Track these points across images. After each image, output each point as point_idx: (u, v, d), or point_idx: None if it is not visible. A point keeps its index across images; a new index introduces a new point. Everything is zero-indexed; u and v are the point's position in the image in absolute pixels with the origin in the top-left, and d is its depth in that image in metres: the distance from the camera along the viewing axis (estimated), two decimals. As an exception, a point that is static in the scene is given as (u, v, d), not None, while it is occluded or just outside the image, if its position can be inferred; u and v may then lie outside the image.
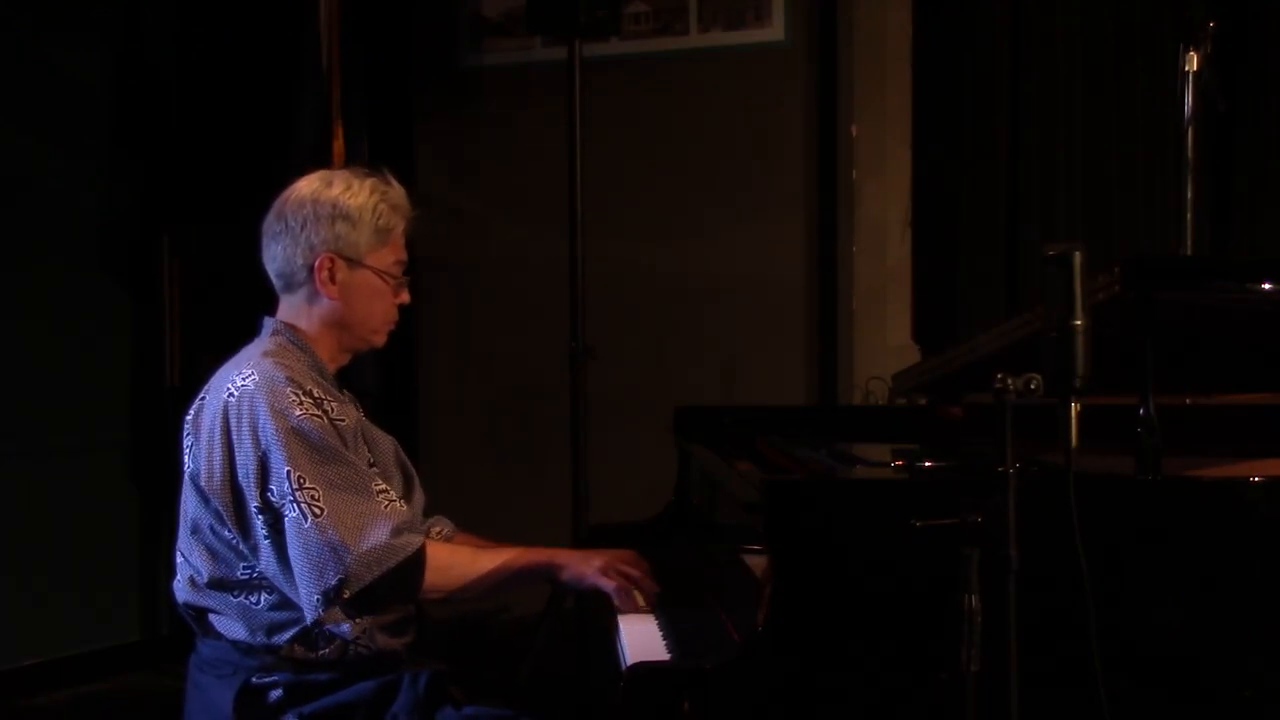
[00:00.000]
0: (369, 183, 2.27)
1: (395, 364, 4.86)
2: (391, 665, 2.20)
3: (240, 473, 2.10)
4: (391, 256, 2.29)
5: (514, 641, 4.16)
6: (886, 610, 1.90)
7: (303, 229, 2.23)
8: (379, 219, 2.25)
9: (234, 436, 2.11)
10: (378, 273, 2.26)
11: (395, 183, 2.32)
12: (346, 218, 2.23)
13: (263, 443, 2.09)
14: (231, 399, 2.13)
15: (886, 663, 1.90)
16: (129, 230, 4.61)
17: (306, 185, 2.27)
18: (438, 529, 2.53)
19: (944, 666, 1.73)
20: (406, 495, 2.43)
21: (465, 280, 5.03)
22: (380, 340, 2.34)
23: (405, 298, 2.34)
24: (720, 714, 1.88)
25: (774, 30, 4.67)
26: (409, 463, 2.48)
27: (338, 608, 2.07)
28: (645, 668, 1.94)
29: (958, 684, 1.69)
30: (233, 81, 4.71)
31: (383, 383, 4.41)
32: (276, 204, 2.28)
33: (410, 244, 2.35)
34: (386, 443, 2.44)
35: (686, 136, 4.79)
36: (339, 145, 4.27)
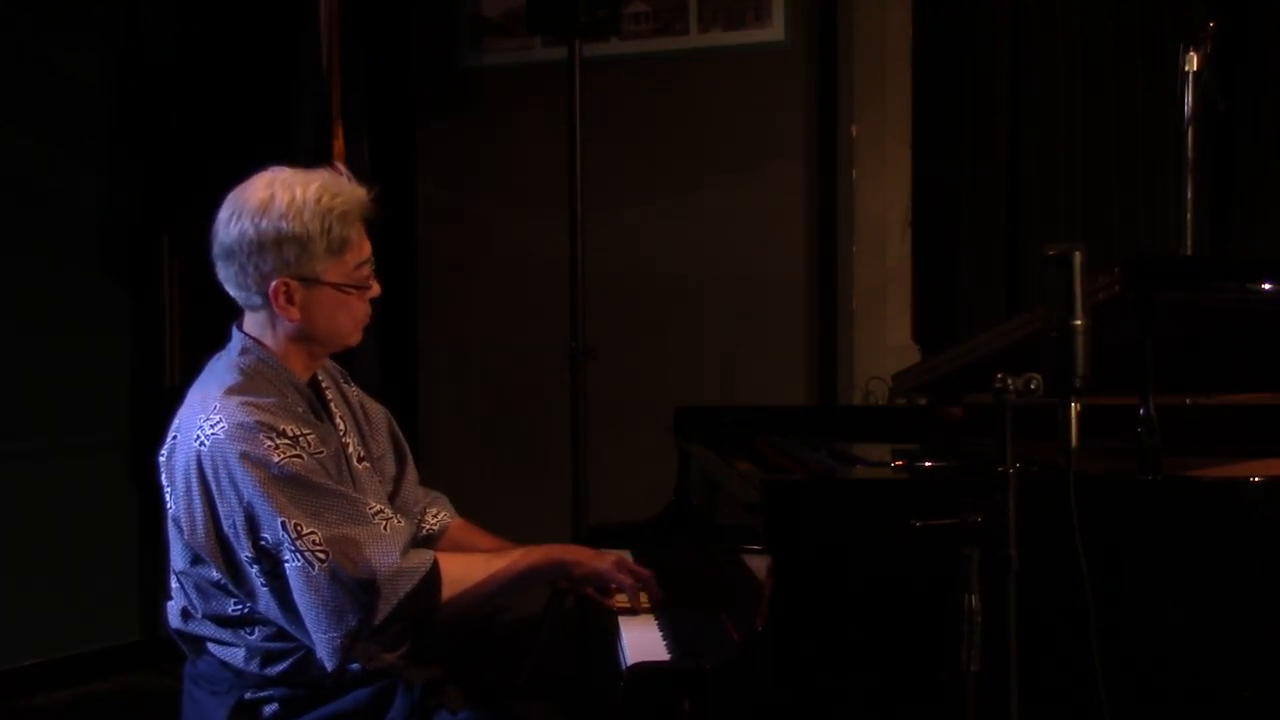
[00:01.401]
0: (315, 188, 2.10)
1: (395, 364, 4.87)
2: (387, 673, 2.18)
3: (225, 524, 2.03)
4: (353, 261, 2.14)
5: (514, 642, 4.15)
6: (887, 610, 1.90)
7: (249, 256, 2.08)
8: (330, 231, 2.09)
9: (213, 490, 2.03)
10: (338, 287, 2.14)
11: (346, 179, 2.16)
12: (293, 238, 2.07)
13: (245, 495, 2.01)
14: (203, 449, 2.04)
15: (887, 663, 1.90)
16: (129, 230, 4.60)
17: (250, 200, 2.10)
18: (434, 511, 2.51)
19: (944, 666, 1.73)
20: (399, 472, 2.42)
21: (465, 280, 5.03)
22: (355, 340, 2.23)
23: (376, 291, 2.20)
24: (720, 714, 1.88)
25: (774, 30, 4.67)
26: (401, 436, 2.46)
27: (360, 646, 2.03)
28: (645, 668, 1.94)
29: (958, 684, 1.69)
30: (233, 81, 4.71)
31: (383, 383, 4.41)
32: (217, 227, 2.12)
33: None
34: (379, 416, 2.42)
35: (686, 137, 4.78)
36: (339, 145, 4.27)
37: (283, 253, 2.08)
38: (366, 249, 2.17)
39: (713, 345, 4.75)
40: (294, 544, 1.99)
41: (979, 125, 4.61)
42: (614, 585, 2.31)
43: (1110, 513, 1.94)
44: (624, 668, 1.99)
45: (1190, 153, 3.20)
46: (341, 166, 2.21)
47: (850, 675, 1.90)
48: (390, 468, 2.41)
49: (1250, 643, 1.95)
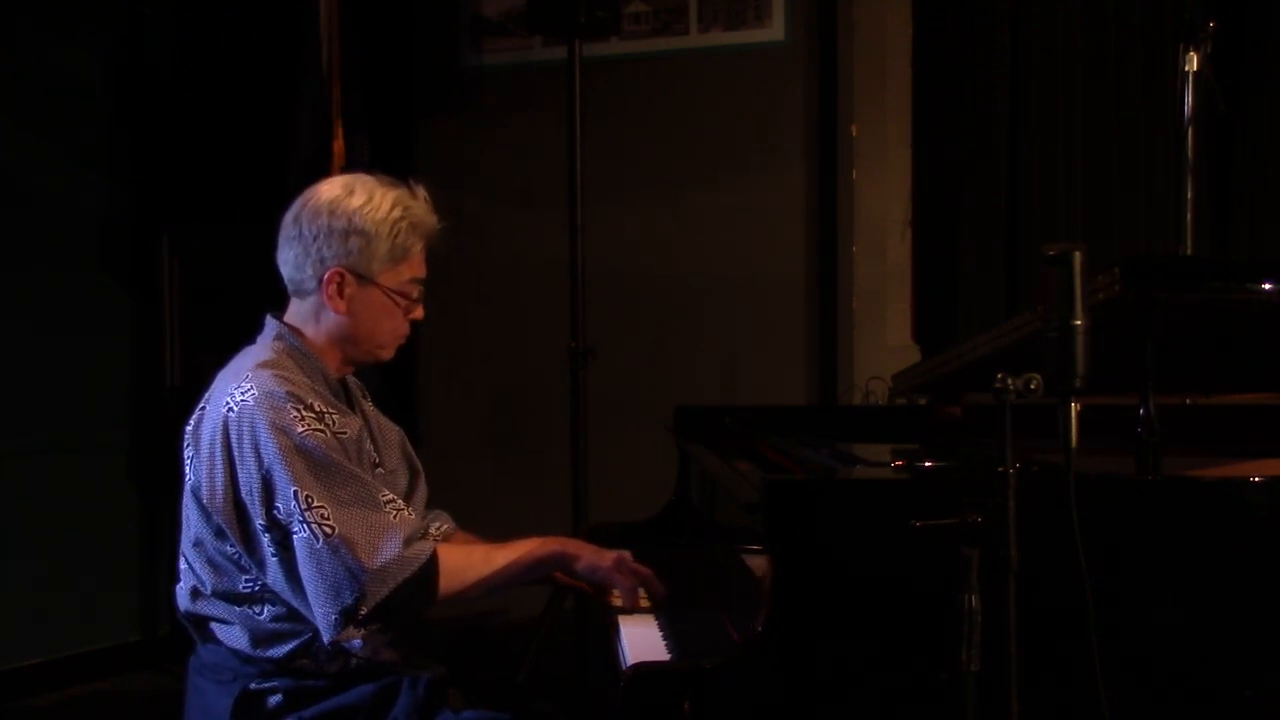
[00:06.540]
0: (392, 196, 2.20)
1: (395, 364, 4.86)
2: (390, 670, 2.19)
3: (243, 490, 2.07)
4: (407, 274, 2.23)
5: (513, 642, 4.16)
6: (886, 610, 1.90)
7: (315, 239, 2.17)
8: (396, 237, 2.19)
9: (235, 454, 2.07)
10: (388, 293, 2.22)
11: (421, 196, 2.25)
12: (361, 233, 2.17)
13: (265, 461, 2.04)
14: (231, 414, 2.08)
15: (886, 663, 1.90)
16: (129, 230, 4.61)
17: (328, 191, 2.21)
18: (437, 524, 2.51)
19: (944, 666, 1.72)
20: (410, 489, 2.43)
21: (465, 280, 5.03)
22: (387, 355, 2.31)
23: (419, 314, 2.29)
24: (720, 714, 1.88)
25: (774, 30, 4.68)
26: (414, 455, 2.48)
27: (354, 625, 2.04)
28: (645, 668, 1.94)
29: (958, 684, 1.69)
30: (233, 81, 4.71)
31: (383, 382, 4.41)
32: (295, 205, 2.22)
33: (431, 258, 2.28)
34: (393, 434, 2.44)
35: (686, 136, 4.79)
36: (339, 145, 4.27)
37: (348, 243, 2.17)
38: (422, 270, 2.26)
39: (713, 345, 4.75)
40: (303, 515, 2.02)
41: (979, 125, 4.61)
42: (611, 585, 2.30)
43: (1110, 513, 1.94)
44: (624, 667, 1.99)
45: (1190, 153, 3.19)
46: (420, 189, 2.27)
47: (850, 675, 1.90)
48: (402, 483, 2.41)
49: (1250, 643, 1.95)
